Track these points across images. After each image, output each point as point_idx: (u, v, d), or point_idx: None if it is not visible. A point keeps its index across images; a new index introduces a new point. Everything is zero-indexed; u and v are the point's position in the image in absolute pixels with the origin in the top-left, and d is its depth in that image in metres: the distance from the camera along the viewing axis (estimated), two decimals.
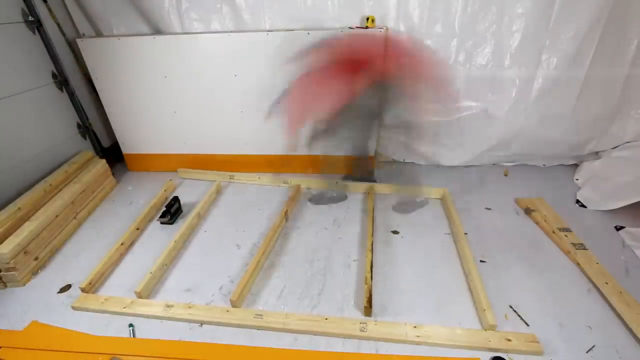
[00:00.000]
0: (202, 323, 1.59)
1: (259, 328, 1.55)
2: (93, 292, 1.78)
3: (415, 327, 1.50)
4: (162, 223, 2.28)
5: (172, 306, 1.65)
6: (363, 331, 1.49)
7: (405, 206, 2.30)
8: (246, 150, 2.78)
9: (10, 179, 2.15)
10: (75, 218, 2.29)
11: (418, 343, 1.45)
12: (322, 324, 1.53)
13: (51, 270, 1.97)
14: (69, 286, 1.84)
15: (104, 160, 2.68)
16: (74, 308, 1.69)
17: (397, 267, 1.87)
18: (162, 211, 2.30)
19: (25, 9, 2.30)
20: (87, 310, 1.68)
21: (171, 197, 2.35)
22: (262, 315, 1.58)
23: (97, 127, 2.89)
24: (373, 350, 1.45)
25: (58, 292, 1.81)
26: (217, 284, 1.81)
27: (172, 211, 2.28)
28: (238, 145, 2.77)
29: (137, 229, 2.19)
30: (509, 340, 1.43)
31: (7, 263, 1.78)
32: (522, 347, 1.41)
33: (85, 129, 2.77)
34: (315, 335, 1.52)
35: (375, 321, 1.55)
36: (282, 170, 2.67)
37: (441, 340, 1.45)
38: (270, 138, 2.66)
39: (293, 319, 1.56)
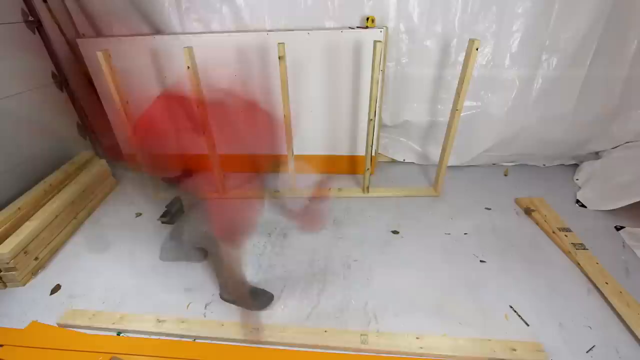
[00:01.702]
0: (195, 338, 1.54)
1: (254, 343, 1.50)
2: None
3: (417, 337, 1.46)
4: (162, 223, 2.28)
5: (164, 321, 1.59)
6: (364, 343, 1.45)
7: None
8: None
9: (10, 179, 2.15)
10: (75, 218, 2.29)
11: (421, 355, 1.42)
12: (321, 337, 1.49)
13: (51, 270, 1.97)
14: (59, 286, 1.84)
15: (103, 160, 2.68)
16: (59, 325, 1.63)
17: (397, 268, 1.87)
18: (163, 211, 2.30)
19: (25, 9, 2.30)
20: (74, 327, 1.61)
21: (172, 197, 2.35)
22: (258, 328, 1.53)
23: (97, 127, 2.89)
24: None
25: (50, 295, 1.80)
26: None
27: (172, 211, 2.27)
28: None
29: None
30: (514, 350, 1.40)
31: (7, 263, 1.78)
32: (527, 356, 1.38)
33: (85, 129, 2.77)
34: (314, 349, 1.47)
35: (377, 333, 1.50)
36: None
37: (445, 351, 1.42)
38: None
39: (290, 332, 1.51)
